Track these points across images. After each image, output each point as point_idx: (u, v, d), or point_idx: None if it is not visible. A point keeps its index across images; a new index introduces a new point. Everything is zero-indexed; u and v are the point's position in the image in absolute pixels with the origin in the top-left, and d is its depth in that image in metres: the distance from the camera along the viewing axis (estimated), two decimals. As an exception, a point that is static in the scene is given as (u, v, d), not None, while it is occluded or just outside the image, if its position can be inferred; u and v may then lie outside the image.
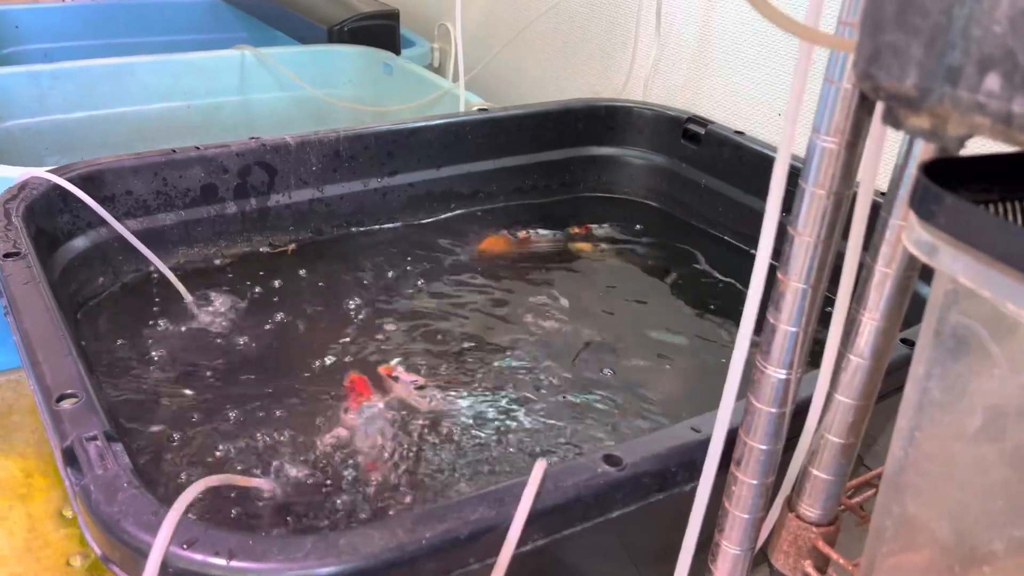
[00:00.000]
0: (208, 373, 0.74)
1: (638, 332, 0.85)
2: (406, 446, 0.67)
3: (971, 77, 0.23)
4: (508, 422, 0.71)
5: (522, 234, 1.00)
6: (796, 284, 0.40)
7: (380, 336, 0.80)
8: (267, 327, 0.80)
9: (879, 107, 0.35)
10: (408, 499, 0.63)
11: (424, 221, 1.02)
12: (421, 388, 0.74)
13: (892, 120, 0.26)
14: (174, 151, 0.86)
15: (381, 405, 0.72)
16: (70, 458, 0.47)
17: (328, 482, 0.63)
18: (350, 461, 0.66)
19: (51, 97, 1.18)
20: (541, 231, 1.03)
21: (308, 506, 0.61)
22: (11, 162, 0.87)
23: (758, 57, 1.02)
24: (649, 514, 0.52)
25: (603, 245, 1.01)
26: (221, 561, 0.41)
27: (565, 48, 1.31)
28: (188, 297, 0.82)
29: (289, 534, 0.58)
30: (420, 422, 0.70)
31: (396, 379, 0.75)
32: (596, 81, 1.27)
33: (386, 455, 0.66)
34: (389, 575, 0.43)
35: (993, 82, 0.23)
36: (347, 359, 0.77)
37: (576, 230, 1.04)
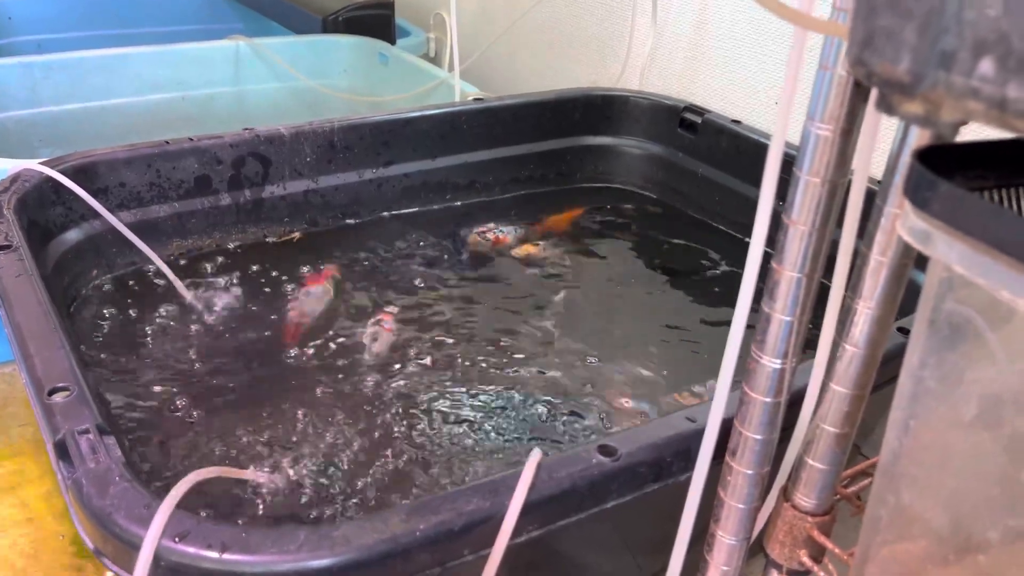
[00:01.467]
0: (202, 365, 0.73)
1: (635, 321, 0.85)
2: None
3: (965, 62, 0.23)
4: (484, 396, 0.71)
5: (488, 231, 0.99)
6: (791, 273, 0.40)
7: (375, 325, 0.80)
8: (262, 318, 0.80)
9: (873, 93, 0.35)
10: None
11: (419, 211, 1.02)
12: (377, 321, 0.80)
13: (886, 106, 0.26)
14: (167, 142, 0.85)
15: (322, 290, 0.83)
16: (62, 451, 0.47)
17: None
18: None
19: (44, 88, 1.17)
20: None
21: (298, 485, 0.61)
22: (4, 154, 0.87)
23: (755, 46, 1.01)
24: (644, 504, 0.52)
25: (543, 243, 0.98)
26: (214, 554, 0.41)
27: (561, 37, 1.31)
28: (182, 289, 0.81)
29: (283, 526, 0.57)
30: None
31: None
32: (592, 70, 1.26)
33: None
34: (383, 567, 0.43)
35: (987, 67, 0.22)
36: (339, 343, 0.77)
37: (485, 233, 0.98)
